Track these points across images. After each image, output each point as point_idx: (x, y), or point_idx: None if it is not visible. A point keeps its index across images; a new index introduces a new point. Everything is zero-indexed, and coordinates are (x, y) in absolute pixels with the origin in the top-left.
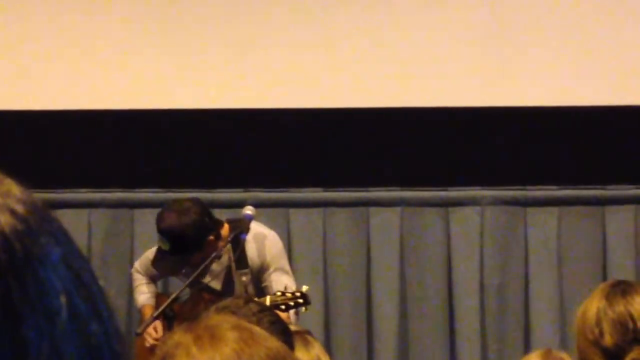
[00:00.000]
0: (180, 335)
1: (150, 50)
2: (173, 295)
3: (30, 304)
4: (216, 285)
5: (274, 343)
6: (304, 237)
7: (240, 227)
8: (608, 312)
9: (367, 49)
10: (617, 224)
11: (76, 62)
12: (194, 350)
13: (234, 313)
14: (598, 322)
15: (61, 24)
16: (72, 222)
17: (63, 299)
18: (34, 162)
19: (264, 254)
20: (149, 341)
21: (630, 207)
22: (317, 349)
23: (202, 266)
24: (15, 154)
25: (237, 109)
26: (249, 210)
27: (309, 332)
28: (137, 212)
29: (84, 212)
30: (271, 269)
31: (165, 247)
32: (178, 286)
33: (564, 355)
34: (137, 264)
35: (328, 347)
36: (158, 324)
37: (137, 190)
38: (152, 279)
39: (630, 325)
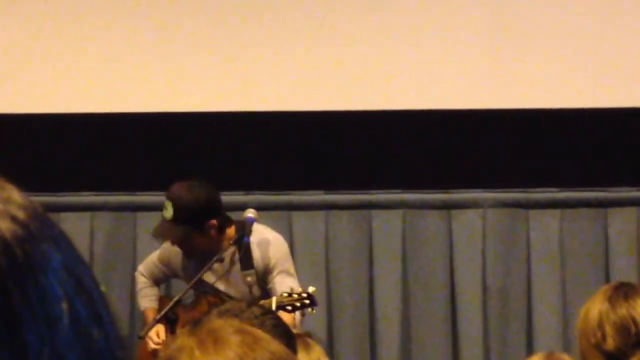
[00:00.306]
0: (183, 339)
1: (154, 52)
2: (175, 299)
3: (31, 310)
4: (220, 286)
5: (277, 347)
6: (306, 240)
7: (244, 230)
8: (610, 316)
9: (370, 51)
10: (619, 226)
11: (78, 65)
12: (197, 354)
13: (236, 316)
14: (600, 326)
15: (66, 25)
16: (75, 225)
17: (64, 305)
18: (36, 166)
19: (269, 256)
20: (151, 345)
21: (633, 209)
22: (318, 352)
23: (205, 269)
24: (18, 157)
25: (239, 112)
26: (250, 213)
27: (309, 335)
28: (140, 215)
29: (86, 216)
30: (276, 271)
31: (167, 214)
32: (181, 289)
33: (566, 357)
34: (141, 267)
35: (331, 349)
36: (160, 327)
37: (139, 193)
38: (156, 282)
39: (633, 328)
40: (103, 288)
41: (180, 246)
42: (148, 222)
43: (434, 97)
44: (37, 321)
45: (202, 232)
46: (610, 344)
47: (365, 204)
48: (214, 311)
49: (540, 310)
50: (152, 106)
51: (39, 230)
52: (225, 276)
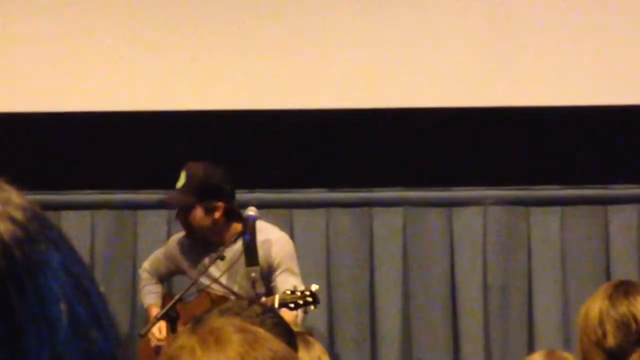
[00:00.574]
0: (184, 338)
1: (155, 50)
2: (176, 297)
3: (30, 311)
4: (223, 281)
5: (278, 346)
6: (307, 238)
7: (245, 227)
8: (611, 313)
9: (370, 49)
10: (620, 223)
11: (79, 64)
12: (198, 353)
13: (237, 314)
14: (601, 323)
15: (68, 24)
16: (75, 223)
17: (63, 306)
18: (37, 164)
19: (274, 254)
20: (154, 341)
21: (634, 207)
22: (318, 350)
23: (206, 267)
24: (18, 155)
25: (239, 110)
26: (251, 211)
27: (310, 333)
28: (141, 214)
29: (87, 214)
30: (279, 270)
31: (179, 183)
32: (182, 288)
33: (567, 355)
34: (145, 264)
35: (331, 346)
36: (162, 323)
37: (140, 191)
38: (161, 279)
39: (633, 326)
40: (102, 289)
41: (183, 219)
42: (149, 220)
43: (434, 95)
44: (36, 322)
45: (207, 210)
46: (610, 341)
47: (366, 202)
48: (215, 309)
49: (541, 307)
50: (153, 104)
51: (38, 232)
52: (228, 271)
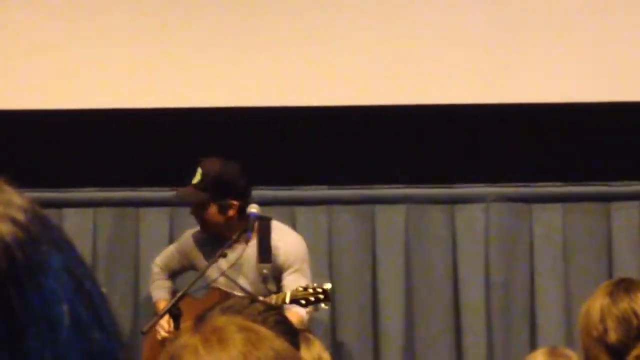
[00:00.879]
0: (187, 337)
1: (156, 48)
2: (179, 294)
3: (32, 313)
4: (233, 277)
5: (280, 345)
6: (309, 235)
7: (247, 225)
8: (612, 309)
9: (373, 47)
10: (622, 220)
11: (81, 61)
12: (201, 352)
13: (239, 312)
14: (602, 319)
15: (68, 22)
16: (77, 221)
17: (65, 307)
18: (38, 162)
19: (287, 254)
20: (161, 334)
21: (636, 203)
22: (318, 348)
23: (210, 264)
24: (20, 154)
25: (242, 107)
26: (253, 208)
27: (309, 331)
28: (143, 211)
29: (89, 212)
30: (290, 270)
31: (195, 179)
32: (186, 285)
33: (569, 352)
34: (158, 259)
35: (334, 344)
36: (167, 317)
37: (142, 189)
38: (172, 274)
39: (634, 321)
40: (104, 289)
41: (197, 215)
42: (151, 218)
43: (437, 92)
44: (38, 324)
45: (221, 207)
46: (612, 337)
47: (368, 199)
48: (217, 307)
49: (544, 304)
50: (155, 102)
51: (40, 233)
52: (238, 268)
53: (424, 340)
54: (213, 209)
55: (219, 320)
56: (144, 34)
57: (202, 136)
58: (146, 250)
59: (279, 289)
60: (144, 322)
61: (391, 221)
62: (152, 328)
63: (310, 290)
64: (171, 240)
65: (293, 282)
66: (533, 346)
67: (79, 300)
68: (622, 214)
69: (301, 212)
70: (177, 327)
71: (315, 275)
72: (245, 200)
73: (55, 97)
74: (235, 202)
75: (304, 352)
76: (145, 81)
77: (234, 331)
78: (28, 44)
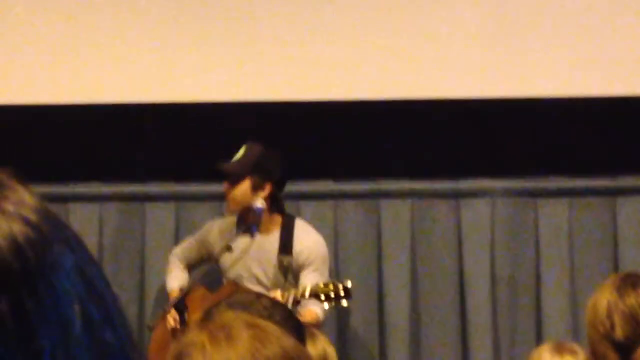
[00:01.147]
0: (194, 334)
1: (162, 42)
2: (184, 289)
3: (44, 313)
4: (254, 269)
5: (287, 341)
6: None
7: (255, 220)
8: (619, 305)
9: (378, 41)
10: (628, 214)
11: (87, 55)
12: (209, 349)
13: (245, 308)
14: (609, 315)
15: (75, 16)
16: (83, 216)
17: (76, 307)
18: (44, 156)
19: (309, 252)
20: (171, 323)
21: None
22: (323, 342)
23: (214, 257)
24: (26, 148)
25: (247, 101)
26: (259, 203)
27: (315, 325)
28: (149, 206)
29: (94, 206)
30: (310, 268)
31: (237, 155)
32: (193, 279)
33: (575, 346)
34: (177, 248)
35: (339, 338)
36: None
37: (148, 183)
38: (189, 265)
39: None
40: (114, 289)
41: (229, 190)
42: (157, 212)
43: (442, 86)
44: (50, 324)
45: (254, 184)
46: (619, 333)
47: (373, 193)
48: (224, 302)
49: (550, 298)
50: (160, 96)
51: (51, 233)
52: (253, 258)
53: (429, 333)
54: (246, 184)
55: (226, 316)
56: (151, 28)
57: (208, 131)
58: (152, 244)
59: (296, 286)
60: (150, 316)
61: (397, 215)
62: (159, 323)
63: (331, 287)
64: (177, 235)
65: (310, 281)
66: (539, 340)
67: (90, 300)
68: (628, 208)
69: (307, 206)
70: (182, 321)
71: None
72: (279, 190)
73: (61, 92)
74: (269, 186)
75: (309, 347)
76: (152, 76)
77: (241, 328)
78: (33, 39)
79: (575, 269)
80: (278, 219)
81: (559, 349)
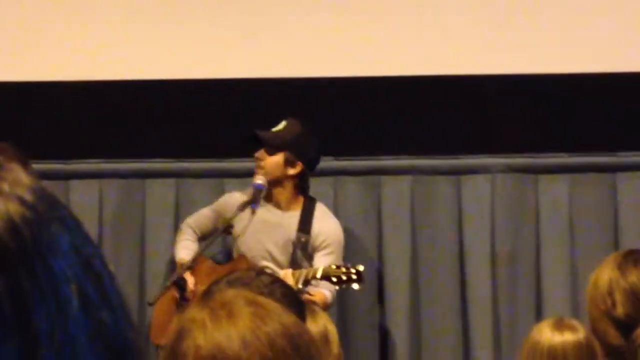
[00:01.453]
0: (196, 311)
1: (162, 19)
2: (185, 266)
3: (41, 293)
4: (266, 244)
5: (288, 319)
6: None
7: (255, 196)
8: (620, 283)
9: (379, 17)
10: (628, 191)
11: (87, 32)
12: (209, 326)
13: (246, 285)
14: (610, 293)
15: None
16: (84, 193)
17: (74, 287)
18: (44, 134)
19: (326, 235)
20: (191, 287)
21: None
22: (324, 319)
23: (214, 237)
24: (26, 125)
25: (247, 78)
26: (259, 180)
27: (307, 294)
28: (149, 183)
29: (95, 183)
30: (326, 251)
31: (277, 127)
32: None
33: (576, 323)
34: (189, 218)
35: (340, 315)
36: (189, 277)
37: (148, 160)
38: (202, 236)
39: None
40: (111, 268)
41: (261, 159)
42: (157, 189)
43: (443, 63)
44: (47, 304)
45: (287, 159)
46: (620, 311)
47: (374, 170)
48: (224, 279)
49: (550, 274)
50: (161, 73)
51: (47, 212)
52: (269, 233)
53: (429, 309)
54: (279, 157)
55: (227, 294)
56: (155, 5)
57: (208, 108)
58: (152, 221)
59: (308, 267)
60: (150, 293)
61: (397, 192)
62: (159, 299)
63: (344, 269)
64: (177, 212)
65: (325, 264)
66: (539, 317)
67: (87, 280)
68: (629, 185)
69: None
70: (182, 298)
71: None
72: (308, 173)
73: (60, 69)
74: (300, 165)
75: (310, 324)
76: (151, 52)
77: (242, 305)
78: (31, 16)
79: (575, 245)
80: (300, 200)
81: (559, 325)
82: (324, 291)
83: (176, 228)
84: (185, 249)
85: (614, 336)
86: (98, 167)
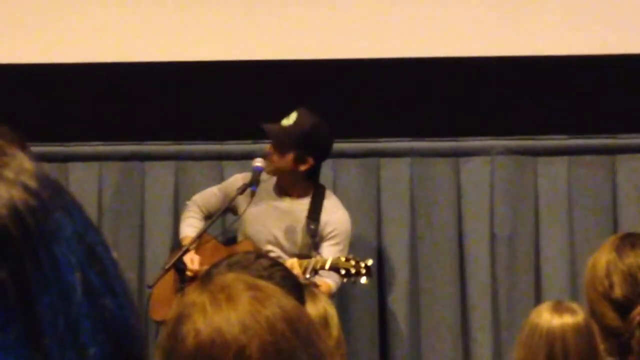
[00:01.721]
0: (196, 295)
1: (163, 2)
2: (184, 248)
3: (45, 280)
4: (272, 229)
5: (287, 302)
6: None
7: (253, 179)
8: (618, 265)
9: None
10: (627, 173)
11: (86, 13)
12: (209, 310)
13: (245, 268)
14: (608, 275)
15: None
16: (83, 175)
17: (77, 275)
18: (44, 116)
19: (335, 224)
20: (191, 269)
21: None
22: (324, 301)
23: (214, 219)
24: (26, 107)
25: (245, 60)
26: (258, 162)
27: (316, 285)
28: (148, 165)
29: (94, 165)
30: (333, 241)
31: (288, 121)
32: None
33: (575, 306)
34: (196, 196)
35: (339, 297)
36: (195, 255)
37: (147, 142)
38: (208, 214)
39: None
40: (115, 255)
41: (271, 153)
42: (156, 171)
43: (442, 44)
44: (51, 292)
45: (297, 158)
46: (617, 292)
47: (373, 152)
48: (224, 262)
49: (549, 257)
50: (160, 55)
51: (51, 199)
52: (277, 219)
53: (429, 292)
54: (289, 156)
55: (227, 278)
56: None
57: (206, 90)
58: (151, 203)
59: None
60: (149, 275)
61: (396, 174)
62: (158, 281)
63: (353, 262)
64: (176, 194)
65: (330, 254)
66: (538, 299)
67: (90, 266)
68: (628, 167)
69: None
70: (182, 280)
71: None
72: (320, 163)
73: (60, 51)
74: (311, 160)
75: (310, 307)
76: (151, 34)
77: (241, 289)
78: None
79: (575, 227)
80: (310, 187)
81: (558, 308)
82: (329, 281)
83: (176, 210)
84: (191, 226)
85: (611, 318)
86: (97, 149)
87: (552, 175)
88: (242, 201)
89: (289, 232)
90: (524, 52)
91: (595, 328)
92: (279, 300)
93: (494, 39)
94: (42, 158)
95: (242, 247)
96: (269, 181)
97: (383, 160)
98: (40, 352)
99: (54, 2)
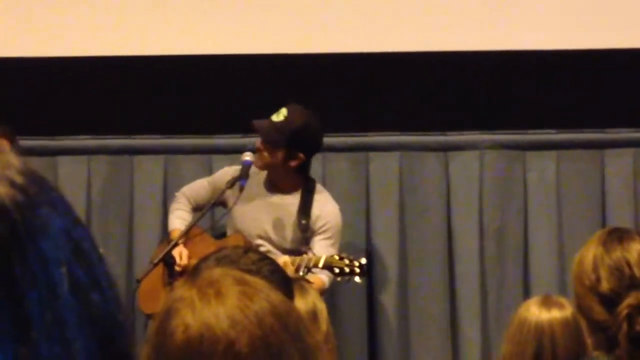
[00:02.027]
0: (184, 290)
1: None
2: (173, 242)
3: (32, 276)
4: (268, 228)
5: (276, 297)
6: None
7: (243, 173)
8: (605, 259)
9: None
10: (615, 167)
11: (76, 8)
12: (198, 305)
13: (233, 262)
14: (595, 269)
15: None
16: (72, 169)
17: (64, 270)
18: (33, 109)
19: (326, 219)
20: (180, 264)
21: (629, 151)
22: (313, 296)
23: (204, 211)
24: (15, 101)
25: (236, 54)
26: (247, 156)
27: (306, 280)
28: (137, 159)
29: (83, 159)
30: (324, 236)
31: (276, 117)
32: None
33: (563, 300)
34: (185, 188)
35: (328, 290)
36: (184, 250)
37: (136, 136)
38: (196, 206)
39: (627, 271)
40: (101, 250)
41: (261, 149)
42: (145, 165)
43: (430, 38)
44: (38, 287)
45: (288, 154)
46: (604, 286)
47: (362, 146)
48: (213, 257)
49: (537, 251)
50: (149, 49)
51: (38, 195)
52: (268, 213)
53: (417, 286)
54: (280, 153)
55: (215, 272)
56: None
57: (196, 84)
58: (140, 197)
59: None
60: (138, 269)
61: (385, 168)
62: (147, 275)
63: (347, 261)
64: (165, 188)
65: (322, 248)
66: (526, 293)
67: (77, 262)
68: (616, 161)
69: None
70: (170, 274)
71: None
72: (310, 158)
73: (49, 45)
74: (302, 156)
75: (298, 301)
76: (141, 28)
77: (230, 284)
78: None
79: (563, 222)
80: (301, 181)
81: (547, 302)
82: (322, 277)
83: (165, 204)
84: (179, 218)
85: (599, 312)
86: (86, 143)
87: (541, 169)
88: (231, 195)
89: (280, 226)
90: (513, 46)
91: (583, 322)
92: (267, 295)
93: (483, 34)
94: (31, 152)
95: (232, 240)
96: (259, 175)
97: (372, 154)
98: (28, 346)
99: None
